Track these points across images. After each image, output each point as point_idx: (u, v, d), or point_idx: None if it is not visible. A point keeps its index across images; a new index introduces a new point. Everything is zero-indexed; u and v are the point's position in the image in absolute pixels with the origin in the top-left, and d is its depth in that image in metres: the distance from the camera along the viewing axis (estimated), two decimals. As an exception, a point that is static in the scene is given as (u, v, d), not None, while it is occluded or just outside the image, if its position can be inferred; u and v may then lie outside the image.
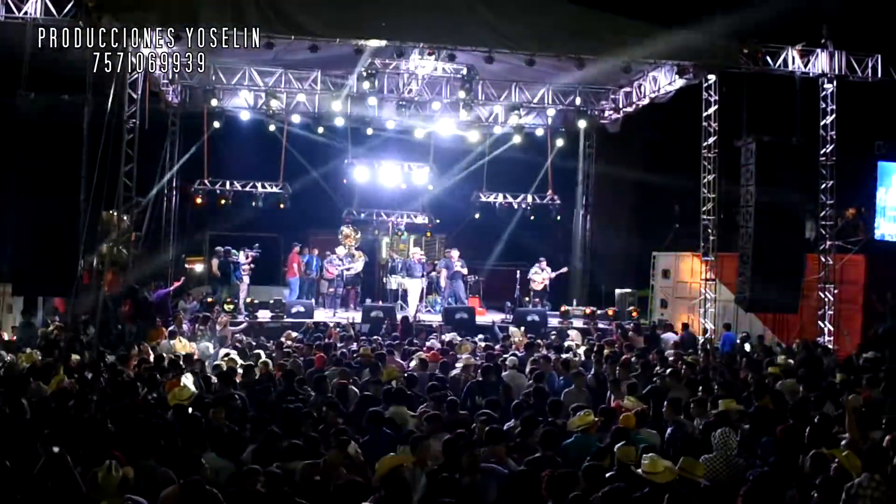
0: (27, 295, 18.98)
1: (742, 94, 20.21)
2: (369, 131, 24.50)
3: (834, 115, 20.82)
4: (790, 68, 20.29)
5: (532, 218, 26.91)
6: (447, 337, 18.25)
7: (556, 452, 8.60)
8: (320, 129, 24.47)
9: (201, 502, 6.62)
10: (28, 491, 6.79)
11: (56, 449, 7.07)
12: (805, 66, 20.41)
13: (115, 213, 19.39)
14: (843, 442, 8.61)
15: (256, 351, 15.37)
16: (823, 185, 20.89)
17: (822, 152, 20.81)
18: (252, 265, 23.14)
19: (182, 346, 15.84)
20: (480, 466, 7.82)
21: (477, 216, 27.01)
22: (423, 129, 24.70)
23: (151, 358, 14.30)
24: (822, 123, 20.89)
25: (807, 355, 16.57)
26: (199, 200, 24.91)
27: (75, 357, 13.87)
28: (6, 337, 17.36)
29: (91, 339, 16.46)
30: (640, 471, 7.42)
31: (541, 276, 24.35)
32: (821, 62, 20.48)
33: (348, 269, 23.81)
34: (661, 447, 9.27)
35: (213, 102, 23.00)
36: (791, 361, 15.98)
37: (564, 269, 25.38)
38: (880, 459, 7.46)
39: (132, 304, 18.46)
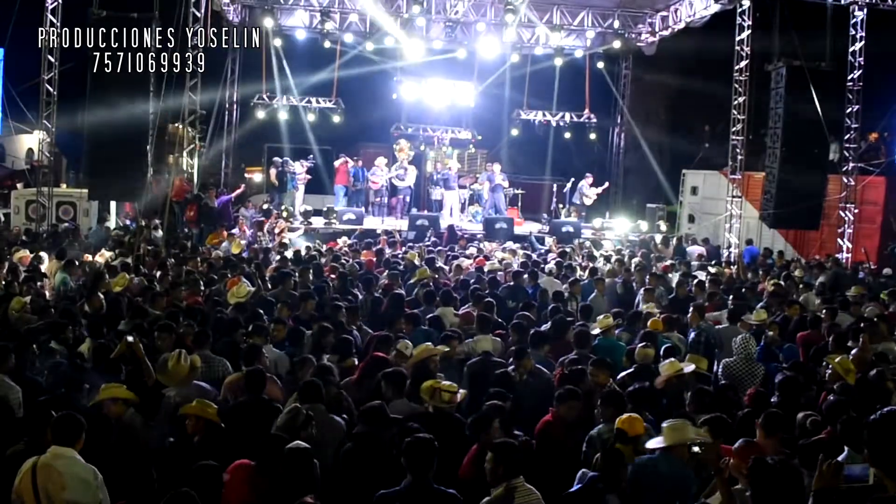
0: (101, 200, 19.26)
1: (774, 19, 19.62)
2: (417, 50, 24.06)
3: (863, 42, 20.19)
4: (823, -5, 19.65)
5: (569, 135, 26.66)
6: (487, 246, 18.22)
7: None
8: (371, 47, 24.15)
9: (262, 386, 6.79)
10: (105, 374, 7.00)
11: (130, 338, 7.27)
12: (837, -7, 19.76)
13: (181, 126, 19.47)
14: (854, 350, 8.53)
15: (312, 254, 15.47)
16: (849, 110, 20.39)
17: (849, 78, 20.27)
18: (308, 175, 23.18)
19: (238, 247, 15.95)
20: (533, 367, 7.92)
21: (516, 132, 26.74)
22: (467, 49, 24.31)
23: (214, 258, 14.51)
24: (850, 50, 20.30)
25: (838, 270, 16.39)
26: (258, 114, 24.95)
27: (146, 257, 14.10)
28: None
29: (159, 240, 16.70)
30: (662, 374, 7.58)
31: (592, 191, 24.01)
32: (853, -11, 19.81)
33: (401, 180, 23.51)
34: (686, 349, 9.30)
35: (271, 22, 22.74)
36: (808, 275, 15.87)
37: (606, 185, 25.07)
38: None
39: (197, 209, 18.70)
